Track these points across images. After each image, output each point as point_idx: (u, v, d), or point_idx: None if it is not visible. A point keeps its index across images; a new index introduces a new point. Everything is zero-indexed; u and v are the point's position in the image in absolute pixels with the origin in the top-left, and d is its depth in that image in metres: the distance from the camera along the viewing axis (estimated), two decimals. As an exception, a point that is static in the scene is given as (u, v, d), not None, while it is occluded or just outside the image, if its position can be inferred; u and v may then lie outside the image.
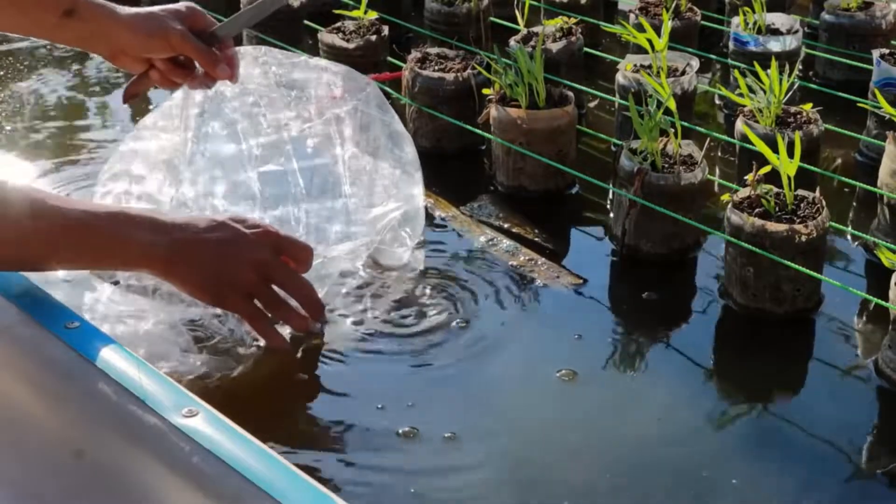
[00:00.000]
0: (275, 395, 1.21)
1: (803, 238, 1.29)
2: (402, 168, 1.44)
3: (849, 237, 1.50)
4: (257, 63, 1.40)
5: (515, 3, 1.92)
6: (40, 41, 2.20)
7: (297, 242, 1.25)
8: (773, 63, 1.52)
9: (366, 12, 1.90)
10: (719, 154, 1.73)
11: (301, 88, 1.41)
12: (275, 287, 1.22)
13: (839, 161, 1.72)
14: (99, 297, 1.25)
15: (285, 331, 1.25)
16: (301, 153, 1.41)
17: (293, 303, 1.24)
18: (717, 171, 1.68)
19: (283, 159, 1.39)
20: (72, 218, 1.09)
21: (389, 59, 1.92)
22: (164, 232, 1.14)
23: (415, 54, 1.80)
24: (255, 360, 1.23)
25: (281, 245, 1.22)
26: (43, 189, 1.10)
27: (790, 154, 1.32)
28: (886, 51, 1.74)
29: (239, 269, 1.18)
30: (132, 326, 1.23)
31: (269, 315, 1.22)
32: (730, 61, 1.88)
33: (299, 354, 1.25)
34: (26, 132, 1.87)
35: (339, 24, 1.93)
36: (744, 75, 1.55)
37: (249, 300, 1.20)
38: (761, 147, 1.34)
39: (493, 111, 1.62)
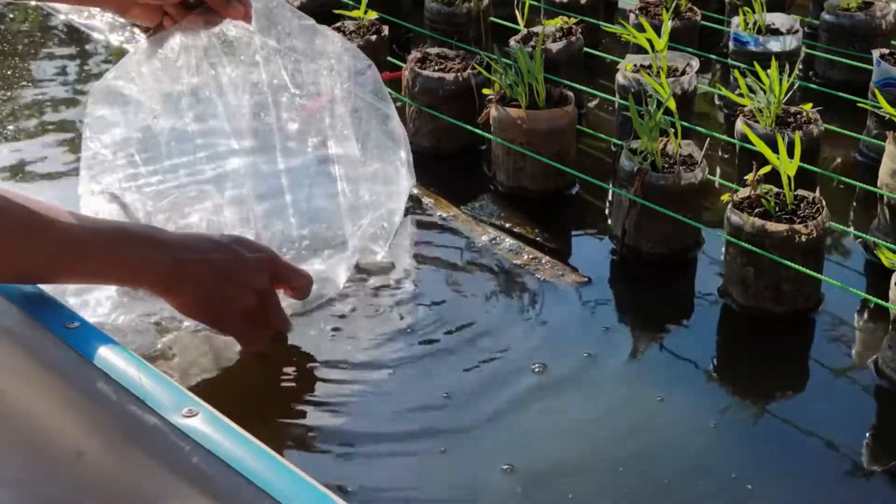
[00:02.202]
0: (273, 395, 1.21)
1: (803, 238, 1.29)
2: (389, 158, 1.40)
3: (849, 237, 1.50)
4: (269, 13, 1.33)
5: (515, 3, 1.92)
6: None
7: (296, 271, 1.24)
8: (773, 63, 1.52)
9: (366, 12, 1.90)
10: (719, 154, 1.73)
11: (303, 55, 1.36)
12: None
13: (839, 161, 1.72)
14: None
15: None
16: (290, 137, 1.38)
17: None
18: (717, 171, 1.68)
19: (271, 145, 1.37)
20: (73, 234, 1.08)
21: (389, 59, 1.92)
22: (166, 251, 1.13)
23: (415, 54, 1.81)
24: (250, 360, 1.24)
25: (279, 273, 1.22)
26: (43, 201, 1.09)
27: (790, 154, 1.32)
28: (886, 51, 1.74)
29: (239, 293, 1.17)
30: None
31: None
32: (730, 61, 1.88)
33: (300, 355, 1.26)
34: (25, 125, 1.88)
35: (339, 24, 1.93)
36: (744, 75, 1.55)
37: (246, 323, 1.20)
38: (761, 147, 1.34)
39: (493, 111, 1.62)
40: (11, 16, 2.43)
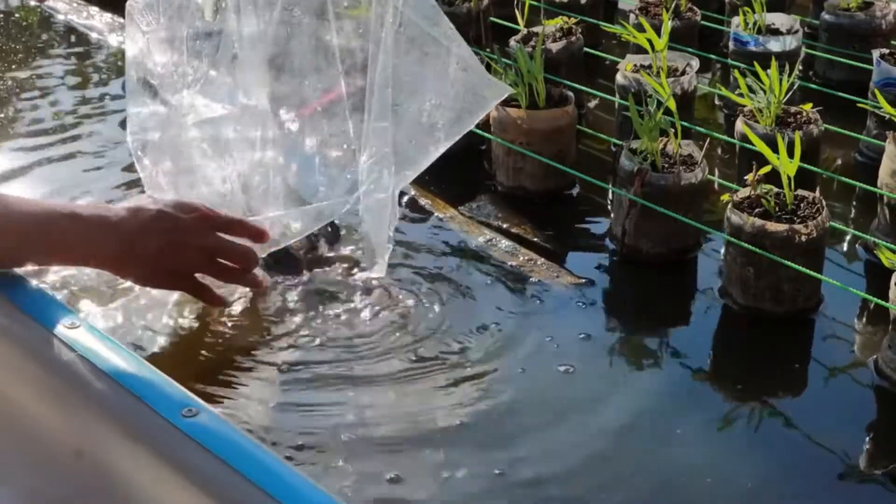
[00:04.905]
0: (273, 396, 1.21)
1: (803, 238, 1.29)
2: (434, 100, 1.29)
3: (848, 237, 1.50)
4: None
5: (515, 3, 1.92)
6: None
7: (231, 220, 1.30)
8: (773, 63, 1.52)
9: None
10: (719, 154, 1.73)
11: None
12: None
13: (839, 161, 1.72)
14: None
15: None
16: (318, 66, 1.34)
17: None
18: (717, 171, 1.68)
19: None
20: (33, 221, 1.15)
21: (389, 59, 1.92)
22: (113, 231, 1.20)
23: (415, 54, 1.80)
24: (252, 357, 1.24)
25: (219, 226, 1.28)
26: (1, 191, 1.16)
27: (790, 154, 1.32)
28: (886, 51, 1.74)
29: (184, 256, 1.25)
30: None
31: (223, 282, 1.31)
32: (730, 61, 1.88)
33: (299, 354, 1.26)
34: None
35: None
36: (744, 75, 1.55)
37: (192, 278, 1.28)
38: (761, 147, 1.34)
39: (493, 111, 1.62)
40: (17, 15, 2.43)
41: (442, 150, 1.29)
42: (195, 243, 1.26)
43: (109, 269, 1.25)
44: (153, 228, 1.22)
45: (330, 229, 1.43)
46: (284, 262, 1.38)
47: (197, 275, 1.29)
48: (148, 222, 1.22)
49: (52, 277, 1.33)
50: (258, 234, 1.31)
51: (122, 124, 1.83)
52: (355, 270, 1.39)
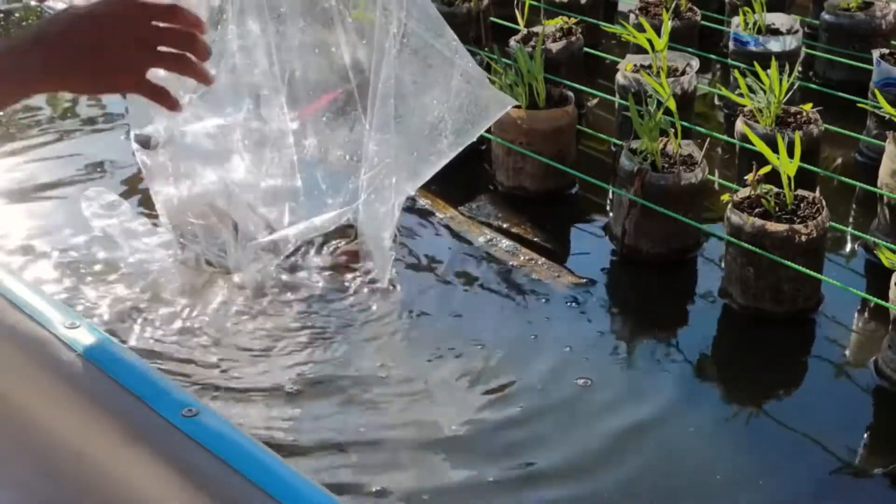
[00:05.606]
0: (273, 395, 1.21)
1: (803, 238, 1.29)
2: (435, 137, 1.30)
3: (849, 237, 1.50)
4: None
5: (515, 3, 1.92)
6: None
7: (170, 7, 1.14)
8: (773, 63, 1.52)
9: (366, 12, 1.90)
10: (719, 154, 1.73)
11: None
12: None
13: (839, 161, 1.72)
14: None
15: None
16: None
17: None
18: (717, 171, 1.68)
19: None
20: None
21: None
22: (30, 36, 1.05)
23: (415, 54, 1.80)
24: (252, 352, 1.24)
25: (157, 14, 1.13)
26: None
27: (790, 154, 1.32)
28: (886, 51, 1.74)
29: (123, 52, 1.11)
30: None
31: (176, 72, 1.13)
32: (730, 61, 1.88)
33: (299, 352, 1.26)
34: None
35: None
36: (744, 75, 1.55)
37: (142, 78, 1.13)
38: (761, 147, 1.34)
39: (493, 111, 1.62)
40: (17, 15, 2.43)
41: (444, 161, 1.29)
42: (131, 35, 1.11)
43: (48, 86, 1.10)
44: (76, 28, 1.08)
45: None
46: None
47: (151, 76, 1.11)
48: (73, 22, 1.08)
49: (56, 280, 1.33)
50: (194, 22, 1.15)
51: (124, 128, 1.84)
52: (358, 273, 1.39)
